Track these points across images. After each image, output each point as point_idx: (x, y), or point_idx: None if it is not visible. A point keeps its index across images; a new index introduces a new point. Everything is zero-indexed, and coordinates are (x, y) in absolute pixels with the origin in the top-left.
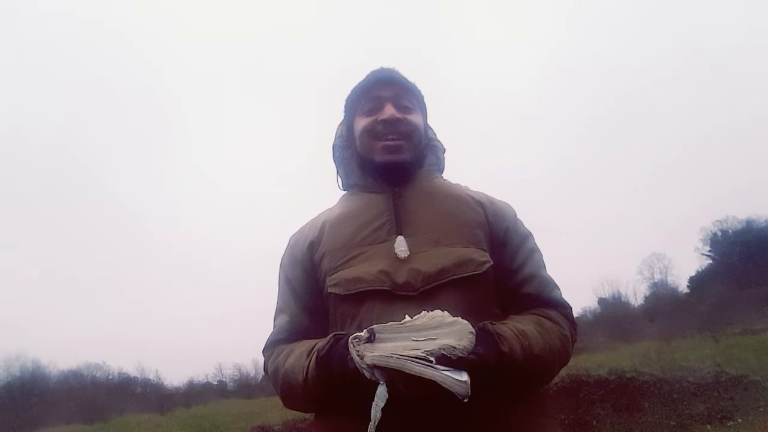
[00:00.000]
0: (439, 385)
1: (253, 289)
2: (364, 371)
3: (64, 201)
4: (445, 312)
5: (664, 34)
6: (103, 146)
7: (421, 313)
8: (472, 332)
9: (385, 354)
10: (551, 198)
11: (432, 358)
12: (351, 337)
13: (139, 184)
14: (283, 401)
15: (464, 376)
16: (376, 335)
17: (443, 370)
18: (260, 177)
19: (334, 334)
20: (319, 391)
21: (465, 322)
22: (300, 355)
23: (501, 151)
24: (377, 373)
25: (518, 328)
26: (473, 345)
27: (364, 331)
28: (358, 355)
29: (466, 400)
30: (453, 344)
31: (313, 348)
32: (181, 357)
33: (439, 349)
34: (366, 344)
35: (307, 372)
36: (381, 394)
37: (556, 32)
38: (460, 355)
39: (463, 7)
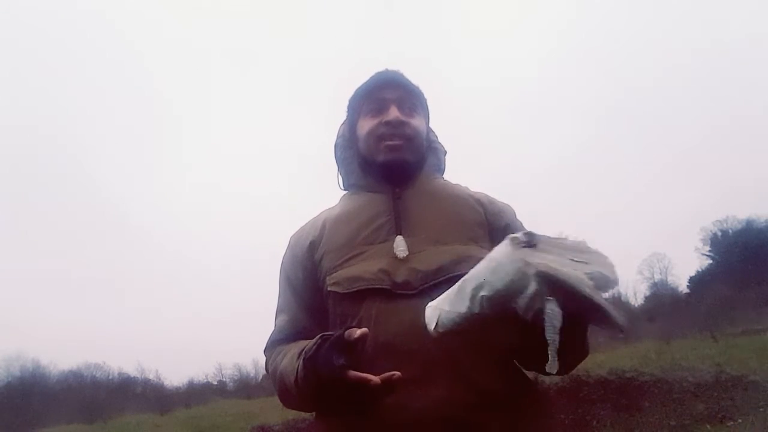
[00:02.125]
0: (597, 314)
1: (254, 289)
2: (528, 279)
3: (63, 201)
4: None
5: (662, 35)
6: (103, 147)
7: (567, 235)
8: (615, 266)
9: (557, 266)
10: (551, 198)
11: (592, 283)
12: (510, 236)
13: (139, 184)
14: (281, 402)
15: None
16: (538, 244)
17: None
18: (262, 177)
19: (321, 335)
20: (309, 392)
21: (606, 255)
22: (292, 356)
23: (499, 151)
24: (538, 283)
25: None
26: (617, 280)
27: (521, 233)
28: (524, 261)
29: (621, 335)
30: (608, 274)
31: (303, 349)
32: (181, 357)
33: (598, 275)
34: (526, 249)
35: (297, 373)
36: (554, 312)
37: (555, 34)
38: (610, 288)
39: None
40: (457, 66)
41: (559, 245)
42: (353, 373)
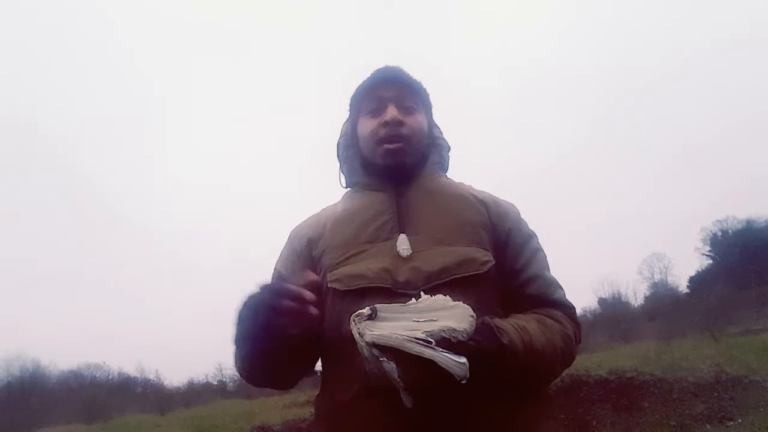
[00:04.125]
0: (438, 367)
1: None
2: (363, 349)
3: (64, 202)
4: (448, 296)
5: (662, 35)
6: (104, 148)
7: (424, 296)
8: (473, 316)
9: (384, 332)
10: (551, 197)
11: (432, 340)
12: (353, 314)
13: (140, 185)
14: (240, 374)
15: (463, 359)
16: (378, 313)
17: (442, 351)
18: (263, 176)
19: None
20: (240, 336)
21: (467, 306)
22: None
23: (498, 150)
24: (376, 352)
25: (519, 324)
26: (474, 328)
27: (366, 308)
28: (358, 333)
29: (464, 382)
30: (454, 326)
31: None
32: (181, 357)
33: (439, 330)
34: (367, 322)
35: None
36: (390, 366)
37: (555, 34)
38: (461, 338)
39: None
40: (457, 64)
41: (405, 310)
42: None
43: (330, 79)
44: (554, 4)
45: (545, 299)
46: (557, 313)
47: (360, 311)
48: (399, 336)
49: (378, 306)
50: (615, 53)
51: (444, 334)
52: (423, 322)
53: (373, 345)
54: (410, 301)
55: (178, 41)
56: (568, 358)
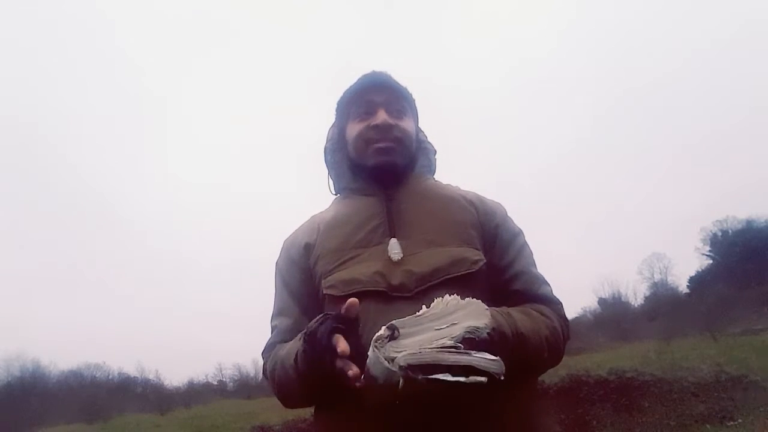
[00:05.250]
0: (474, 370)
1: (254, 289)
2: (398, 374)
3: (64, 202)
4: (455, 295)
5: (662, 35)
6: (104, 149)
7: (435, 302)
8: (487, 309)
9: (414, 351)
10: (551, 197)
11: (460, 345)
12: (373, 339)
13: (140, 186)
14: (279, 397)
15: (495, 356)
16: (400, 331)
17: (474, 353)
18: (263, 176)
19: (324, 314)
20: (306, 369)
21: (477, 300)
22: (295, 340)
23: (498, 150)
24: (410, 373)
25: (502, 310)
26: (492, 321)
27: (383, 328)
28: (385, 359)
29: (502, 378)
30: (476, 324)
31: (305, 331)
32: (181, 357)
33: (464, 332)
34: (390, 343)
35: (296, 353)
36: (422, 384)
37: (555, 34)
38: (484, 334)
39: None
40: (457, 65)
41: (422, 321)
42: (341, 359)
43: (329, 78)
44: (554, 4)
45: (531, 294)
46: (543, 308)
47: (379, 334)
48: (430, 350)
49: (395, 323)
50: (615, 53)
51: (470, 335)
52: (446, 328)
53: (408, 367)
54: (422, 310)
55: (178, 41)
56: (555, 351)
